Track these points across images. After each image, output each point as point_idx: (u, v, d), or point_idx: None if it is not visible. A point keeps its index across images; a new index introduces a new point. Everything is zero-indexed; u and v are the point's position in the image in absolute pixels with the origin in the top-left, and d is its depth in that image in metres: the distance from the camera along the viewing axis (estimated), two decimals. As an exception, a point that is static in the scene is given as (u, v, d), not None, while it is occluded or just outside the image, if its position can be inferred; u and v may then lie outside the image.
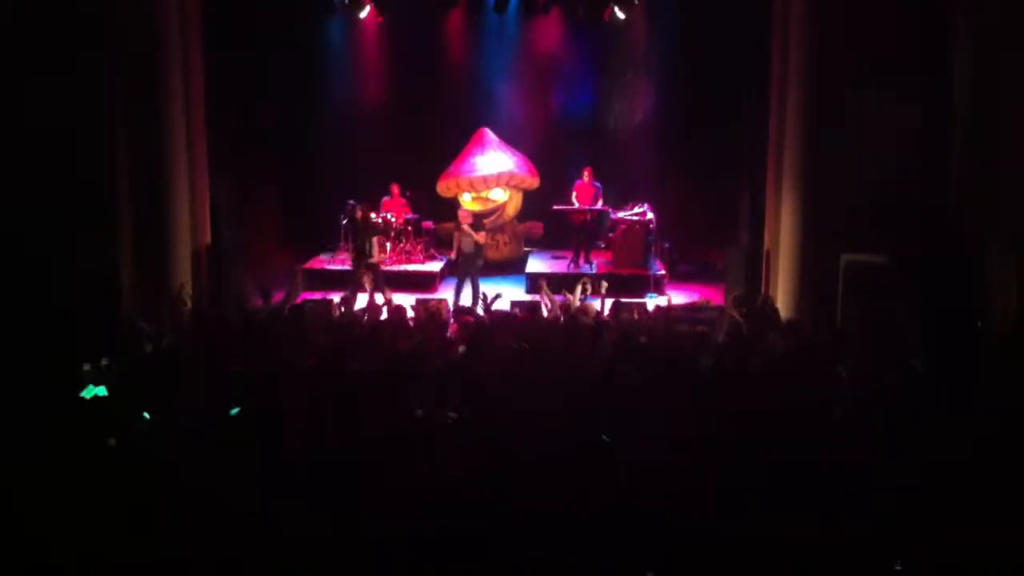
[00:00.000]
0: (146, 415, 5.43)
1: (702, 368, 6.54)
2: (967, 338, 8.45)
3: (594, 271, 13.39)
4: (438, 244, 14.60)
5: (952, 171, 9.64)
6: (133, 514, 4.37)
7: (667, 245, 14.24)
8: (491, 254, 13.85)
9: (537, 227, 15.05)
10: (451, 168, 14.64)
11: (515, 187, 14.76)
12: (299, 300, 9.01)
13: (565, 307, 9.11)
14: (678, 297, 12.73)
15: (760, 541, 4.26)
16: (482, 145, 14.67)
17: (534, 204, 14.93)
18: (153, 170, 10.22)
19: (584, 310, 9.06)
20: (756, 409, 5.49)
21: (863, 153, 9.89)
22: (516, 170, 14.56)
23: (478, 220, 13.19)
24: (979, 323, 8.73)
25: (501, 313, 9.36)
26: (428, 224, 14.75)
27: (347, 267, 12.86)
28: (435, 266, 14.12)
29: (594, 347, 7.27)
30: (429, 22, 15.31)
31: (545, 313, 9.10)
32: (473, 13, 15.32)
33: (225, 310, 9.85)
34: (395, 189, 14.37)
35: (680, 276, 14.09)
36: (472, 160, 14.54)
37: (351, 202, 13.32)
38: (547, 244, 15.08)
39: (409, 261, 14.24)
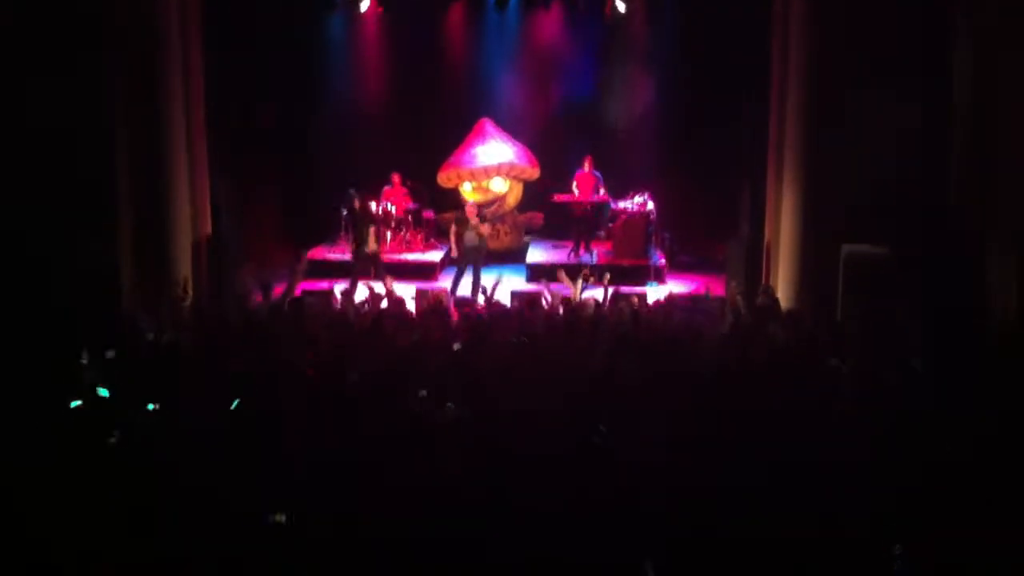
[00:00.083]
0: (151, 407, 5.45)
1: (703, 362, 6.55)
2: (967, 338, 8.44)
3: (594, 261, 13.40)
4: (439, 234, 14.62)
5: (952, 171, 9.64)
6: (133, 514, 4.37)
7: (667, 235, 14.26)
8: (491, 244, 13.85)
9: (537, 217, 15.07)
10: (452, 158, 14.68)
11: (515, 177, 14.78)
12: (299, 291, 9.02)
13: (566, 301, 9.12)
14: (678, 287, 12.73)
15: (760, 541, 4.26)
16: (483, 136, 14.70)
17: (534, 194, 14.96)
18: (153, 170, 10.22)
19: (584, 306, 9.06)
20: (756, 409, 5.49)
21: (863, 153, 9.90)
22: (516, 160, 14.59)
23: (479, 210, 13.22)
24: (976, 324, 8.72)
25: (500, 307, 9.36)
26: (428, 214, 14.76)
27: (347, 257, 12.86)
28: (435, 256, 14.16)
29: (593, 341, 7.27)
30: (430, 14, 15.36)
31: (545, 305, 9.11)
32: (474, 6, 15.35)
33: (225, 309, 9.86)
34: (396, 178, 14.37)
35: (680, 266, 14.13)
36: (473, 150, 14.58)
37: (351, 190, 13.33)
38: (547, 234, 15.13)
39: (409, 250, 14.26)
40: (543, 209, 14.88)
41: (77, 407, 5.57)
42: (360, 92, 15.53)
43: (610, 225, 14.08)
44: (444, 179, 14.73)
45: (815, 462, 4.88)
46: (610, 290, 9.53)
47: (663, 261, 13.60)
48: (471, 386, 5.89)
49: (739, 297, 9.01)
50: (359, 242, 12.42)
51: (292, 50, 14.12)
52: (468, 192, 14.53)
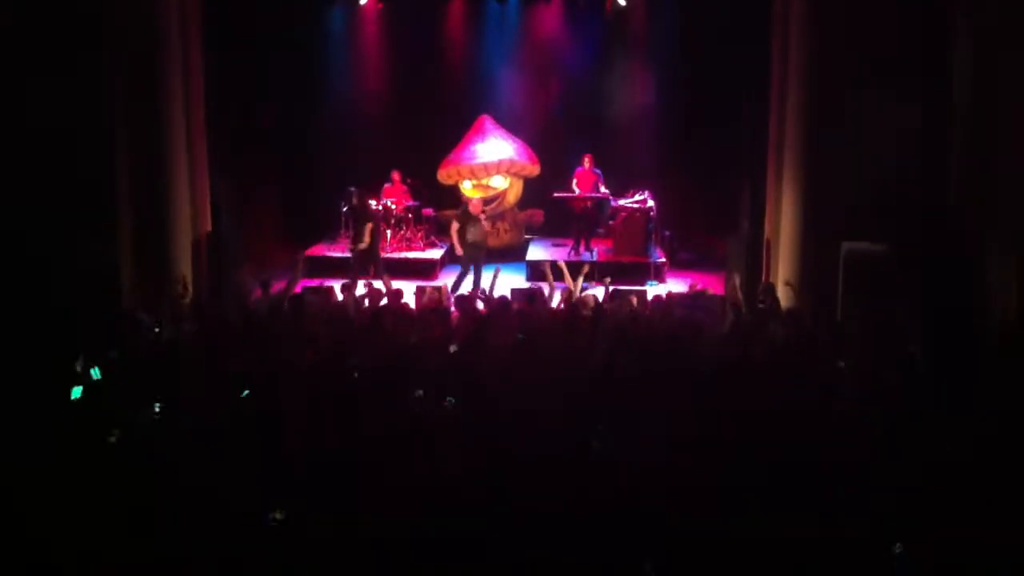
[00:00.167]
0: (156, 407, 5.45)
1: (702, 359, 6.56)
2: (967, 338, 8.44)
3: (594, 258, 13.39)
4: (439, 231, 14.62)
5: (952, 171, 9.63)
6: (133, 514, 4.37)
7: (667, 233, 14.25)
8: (491, 241, 13.82)
9: (538, 214, 15.05)
10: (452, 155, 14.66)
11: (515, 174, 14.76)
12: (299, 288, 9.02)
13: (567, 296, 9.11)
14: (678, 286, 12.72)
15: (760, 541, 4.26)
16: (482, 132, 14.68)
17: (534, 191, 14.93)
18: (153, 170, 10.21)
19: (583, 302, 9.06)
20: (756, 409, 5.49)
21: (863, 153, 9.89)
22: (516, 157, 14.57)
23: (483, 205, 13.20)
24: (976, 324, 8.72)
25: (500, 304, 9.35)
26: (428, 211, 14.76)
27: (347, 254, 12.87)
28: (435, 253, 14.14)
29: (592, 339, 7.27)
30: (429, 10, 15.32)
31: (546, 294, 9.10)
32: (474, 2, 15.35)
33: (225, 308, 9.86)
34: (396, 176, 14.35)
35: (680, 264, 14.09)
36: (473, 147, 14.55)
37: (351, 188, 13.30)
38: (548, 231, 15.06)
39: (409, 248, 14.26)
40: (543, 206, 14.87)
41: (77, 402, 5.58)
42: (360, 90, 15.48)
43: (610, 222, 14.07)
44: (444, 176, 14.72)
45: (815, 462, 4.88)
46: (610, 289, 9.54)
47: (663, 259, 13.59)
48: (471, 385, 5.90)
49: (739, 293, 9.00)
50: (356, 239, 12.44)
51: (292, 49, 14.09)
52: (468, 189, 14.52)
